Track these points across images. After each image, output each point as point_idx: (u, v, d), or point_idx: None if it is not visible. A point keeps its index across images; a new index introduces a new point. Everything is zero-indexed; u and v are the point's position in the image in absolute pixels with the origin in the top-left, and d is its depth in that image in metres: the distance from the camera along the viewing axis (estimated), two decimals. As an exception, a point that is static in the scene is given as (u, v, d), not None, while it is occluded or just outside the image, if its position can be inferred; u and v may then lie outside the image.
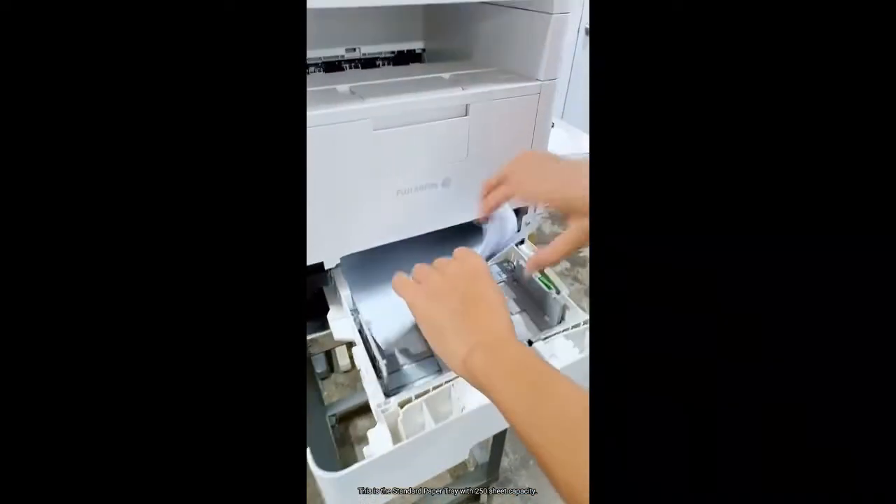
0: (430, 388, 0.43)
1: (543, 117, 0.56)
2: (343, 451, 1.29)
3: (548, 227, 2.33)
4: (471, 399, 0.43)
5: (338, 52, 0.64)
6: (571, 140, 1.30)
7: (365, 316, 0.55)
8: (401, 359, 0.53)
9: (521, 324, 0.57)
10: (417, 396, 0.43)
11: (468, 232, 0.72)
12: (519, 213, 0.65)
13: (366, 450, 0.41)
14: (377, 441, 0.40)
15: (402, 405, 0.42)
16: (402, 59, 0.69)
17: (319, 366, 1.50)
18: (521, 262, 0.61)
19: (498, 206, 0.49)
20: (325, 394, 1.48)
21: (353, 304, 0.56)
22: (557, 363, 0.44)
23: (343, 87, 0.48)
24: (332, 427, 1.35)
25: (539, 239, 2.22)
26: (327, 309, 0.56)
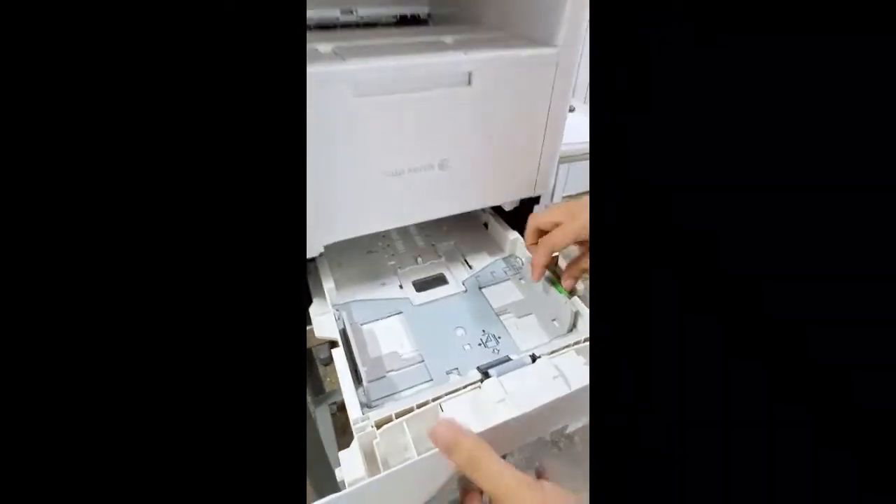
0: (415, 405, 0.37)
1: (561, 93, 0.48)
2: (344, 441, 1.26)
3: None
4: (464, 419, 0.37)
5: (332, 13, 0.57)
6: (593, 124, 1.21)
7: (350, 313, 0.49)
8: (387, 364, 0.46)
9: (527, 329, 0.50)
10: (399, 415, 0.36)
11: (468, 222, 0.65)
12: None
13: (337, 472, 0.35)
14: (349, 466, 0.34)
15: (379, 425, 0.36)
16: (405, 24, 0.62)
17: (323, 352, 1.46)
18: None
19: (542, 232, 0.45)
20: (327, 380, 1.44)
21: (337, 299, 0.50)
22: (564, 385, 0.37)
23: (325, 47, 0.41)
24: (333, 415, 1.32)
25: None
26: (310, 302, 0.50)
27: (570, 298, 0.48)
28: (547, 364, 0.39)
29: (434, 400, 0.37)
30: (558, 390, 0.37)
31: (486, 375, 0.39)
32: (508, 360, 0.41)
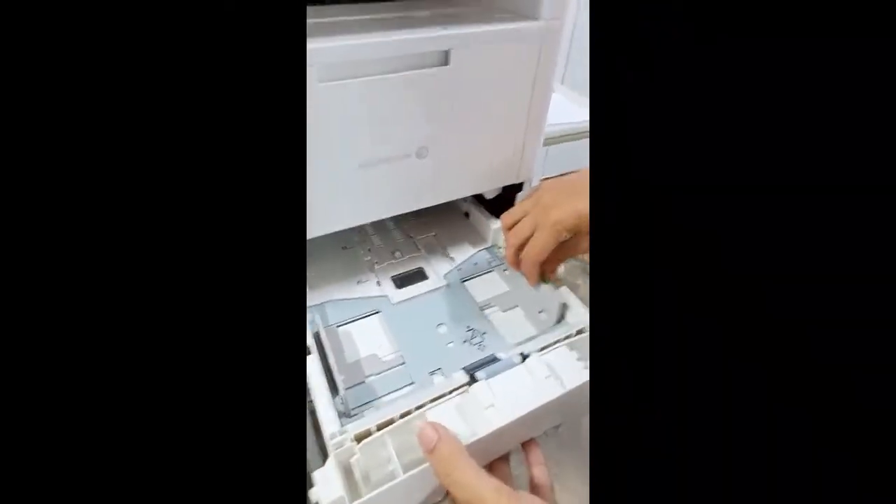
0: (397, 414, 0.34)
1: (546, 71, 0.45)
2: (320, 442, 1.23)
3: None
4: (452, 428, 0.34)
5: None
6: (573, 107, 1.19)
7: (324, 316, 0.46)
8: (366, 368, 0.43)
9: (514, 323, 0.48)
10: (380, 427, 0.34)
11: (448, 212, 0.62)
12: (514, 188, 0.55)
13: (312, 493, 0.32)
14: (326, 487, 0.31)
15: (359, 439, 0.33)
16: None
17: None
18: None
19: (521, 246, 0.43)
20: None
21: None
22: (557, 385, 0.35)
23: (285, 24, 0.36)
24: (312, 412, 1.28)
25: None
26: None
27: (556, 288, 0.45)
28: (538, 362, 0.37)
29: (417, 409, 0.34)
30: (552, 391, 0.34)
31: (472, 379, 0.36)
32: (496, 359, 0.39)
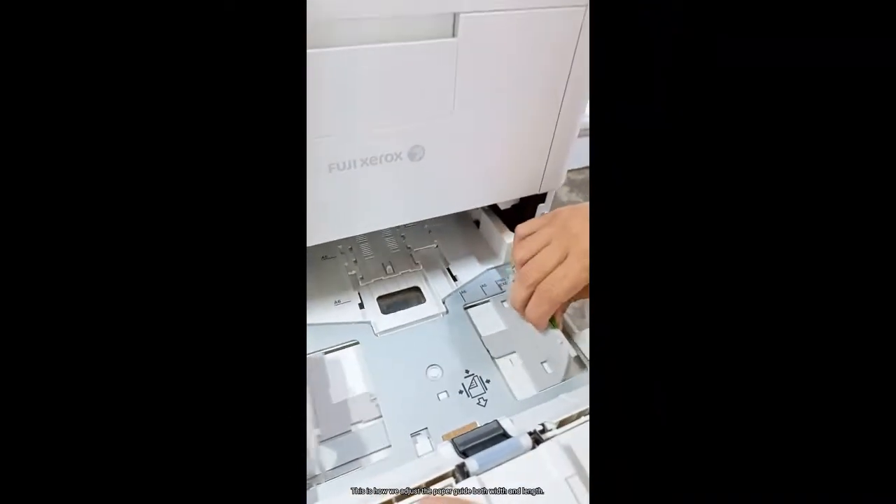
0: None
1: (588, 52, 0.34)
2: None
3: (564, 195, 2.09)
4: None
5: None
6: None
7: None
8: (330, 421, 0.34)
9: (505, 376, 0.38)
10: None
11: (455, 219, 0.52)
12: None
13: None
14: None
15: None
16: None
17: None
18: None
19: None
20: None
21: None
22: (585, 495, 0.25)
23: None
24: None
25: (554, 206, 1.97)
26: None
27: (564, 335, 0.35)
28: (556, 452, 0.27)
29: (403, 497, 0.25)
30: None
31: (462, 470, 0.27)
32: (498, 433, 0.30)
